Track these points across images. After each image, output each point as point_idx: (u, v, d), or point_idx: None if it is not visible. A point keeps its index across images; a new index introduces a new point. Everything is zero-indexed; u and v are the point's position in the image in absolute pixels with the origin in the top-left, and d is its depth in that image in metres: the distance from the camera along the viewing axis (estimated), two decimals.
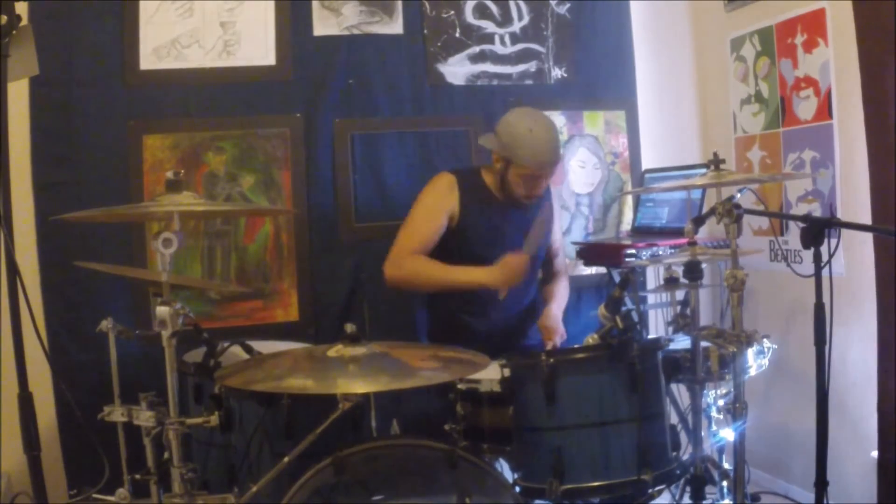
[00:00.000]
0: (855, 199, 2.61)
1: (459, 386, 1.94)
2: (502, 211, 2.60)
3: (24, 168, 2.77)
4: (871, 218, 2.50)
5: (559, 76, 3.28)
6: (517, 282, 2.41)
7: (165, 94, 2.91)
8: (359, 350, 1.67)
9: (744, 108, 3.19)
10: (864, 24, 2.52)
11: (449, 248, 2.54)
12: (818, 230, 1.81)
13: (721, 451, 2.25)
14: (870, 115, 2.53)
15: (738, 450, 1.89)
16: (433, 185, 2.59)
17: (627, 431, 1.83)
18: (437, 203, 2.54)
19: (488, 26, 3.21)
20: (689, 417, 2.24)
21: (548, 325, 2.58)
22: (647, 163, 3.37)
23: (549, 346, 2.53)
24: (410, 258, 2.48)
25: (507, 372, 1.91)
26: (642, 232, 3.12)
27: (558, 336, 2.56)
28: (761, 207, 2.57)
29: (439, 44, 3.16)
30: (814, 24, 2.76)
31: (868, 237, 2.53)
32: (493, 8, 3.21)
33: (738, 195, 2.03)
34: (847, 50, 2.58)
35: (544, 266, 2.81)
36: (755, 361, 2.27)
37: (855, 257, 2.59)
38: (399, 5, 3.11)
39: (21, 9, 1.88)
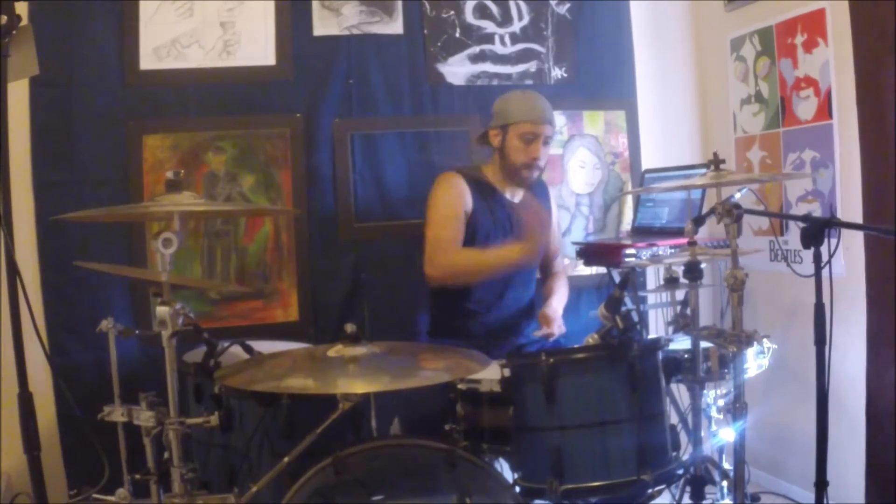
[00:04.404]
0: (855, 199, 2.61)
1: (459, 386, 1.94)
2: (506, 206, 2.61)
3: (24, 168, 2.77)
4: (862, 218, 2.51)
5: (559, 76, 3.28)
6: (544, 235, 2.42)
7: (165, 94, 2.91)
8: (359, 350, 1.67)
9: (744, 108, 3.19)
10: (860, 24, 2.52)
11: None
12: (818, 230, 1.81)
13: (721, 451, 2.25)
14: (864, 115, 2.53)
15: (738, 450, 1.89)
16: (444, 185, 2.59)
17: (627, 431, 1.82)
18: (457, 201, 2.55)
19: (488, 26, 3.21)
20: (689, 417, 2.24)
21: (547, 313, 2.58)
22: (647, 163, 3.36)
23: (542, 332, 2.53)
24: (450, 253, 2.49)
25: (507, 372, 1.91)
26: (642, 232, 3.12)
27: (556, 326, 2.55)
28: (761, 207, 2.57)
29: (439, 44, 3.16)
30: (814, 24, 2.76)
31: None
32: (493, 8, 3.21)
33: (738, 195, 2.03)
34: (847, 50, 2.58)
35: (543, 267, 2.82)
36: (755, 361, 2.27)
37: (854, 257, 2.59)
38: (399, 5, 3.11)
39: (21, 9, 1.88)
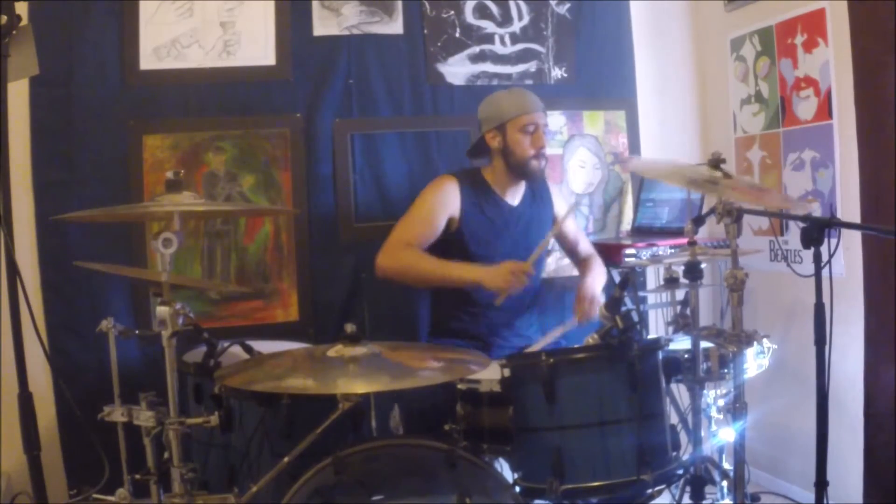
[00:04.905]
0: (855, 199, 2.61)
1: (459, 386, 1.94)
2: (503, 209, 2.61)
3: (24, 168, 2.77)
4: (860, 218, 2.51)
5: (559, 76, 3.28)
6: (515, 289, 2.37)
7: (165, 94, 2.91)
8: (359, 350, 1.67)
9: (744, 108, 3.19)
10: (859, 24, 2.52)
11: (450, 248, 2.54)
12: (818, 230, 1.80)
13: (721, 451, 2.25)
14: (862, 115, 2.54)
15: (738, 450, 1.89)
16: (435, 186, 2.59)
17: (627, 431, 1.82)
18: (438, 204, 2.54)
19: (488, 26, 3.21)
20: (689, 417, 2.24)
21: (582, 291, 2.56)
22: None
23: (575, 320, 2.52)
24: (405, 250, 2.46)
25: (507, 372, 1.91)
26: (642, 232, 3.12)
27: (588, 303, 2.52)
28: (761, 207, 2.57)
29: (439, 44, 3.16)
30: (814, 24, 2.76)
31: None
32: (493, 8, 3.21)
33: None
34: (847, 50, 2.58)
35: (571, 256, 2.82)
36: (755, 361, 2.27)
37: (854, 257, 2.59)
38: (399, 5, 3.11)
39: (21, 9, 1.89)
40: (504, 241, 2.58)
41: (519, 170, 2.57)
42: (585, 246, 2.85)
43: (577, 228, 2.91)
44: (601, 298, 2.55)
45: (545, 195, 2.76)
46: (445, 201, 2.54)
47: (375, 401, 2.27)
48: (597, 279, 2.65)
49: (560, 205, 2.80)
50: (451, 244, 2.54)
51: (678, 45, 3.47)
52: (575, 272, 3.16)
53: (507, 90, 2.65)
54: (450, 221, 2.55)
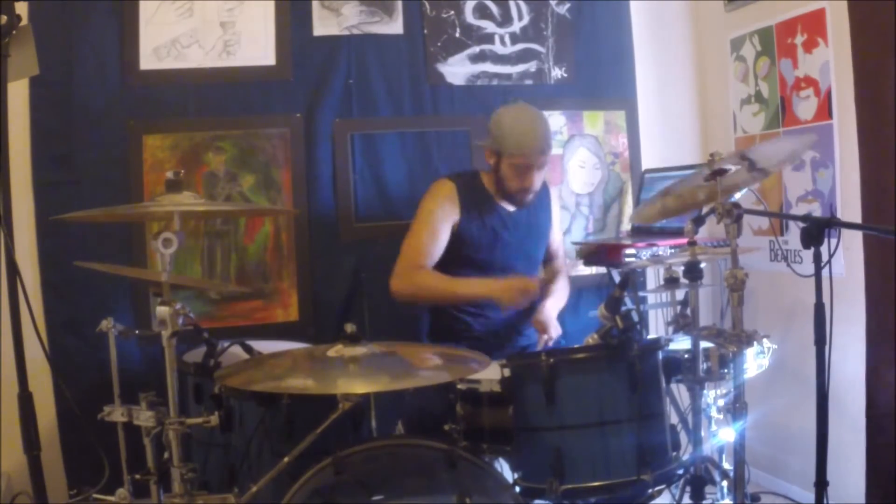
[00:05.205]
0: (855, 199, 2.61)
1: (459, 386, 1.94)
2: (502, 214, 2.60)
3: (24, 168, 2.77)
4: (861, 218, 2.51)
5: (559, 76, 3.28)
6: (523, 305, 2.43)
7: (165, 94, 2.91)
8: (359, 350, 1.67)
9: (744, 108, 3.19)
10: (859, 24, 2.52)
11: (449, 252, 2.54)
12: (818, 230, 1.80)
13: (721, 451, 2.25)
14: (862, 115, 2.54)
15: (738, 450, 1.88)
16: (433, 193, 2.58)
17: (627, 431, 1.82)
18: (439, 213, 2.54)
19: (488, 26, 3.21)
20: (689, 417, 2.24)
21: (541, 319, 2.56)
22: (647, 163, 3.37)
23: (543, 340, 2.53)
24: (417, 272, 2.48)
25: (507, 372, 1.91)
26: (642, 232, 3.12)
27: (553, 329, 2.54)
28: (761, 207, 2.57)
29: (439, 44, 3.16)
30: (814, 24, 2.76)
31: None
32: (493, 8, 3.21)
33: (738, 195, 2.03)
34: (847, 50, 2.58)
35: (543, 266, 2.81)
36: (755, 361, 2.27)
37: (854, 257, 2.59)
38: (399, 5, 3.12)
39: (21, 9, 1.89)
40: (502, 247, 2.58)
41: (504, 194, 2.58)
42: (561, 262, 2.87)
43: (562, 242, 2.93)
44: (557, 325, 2.57)
45: (544, 200, 2.75)
46: (447, 210, 2.54)
47: (376, 402, 2.27)
48: (557, 304, 2.65)
49: (557, 211, 2.81)
50: (453, 246, 2.54)
51: (678, 45, 3.47)
52: (576, 273, 3.16)
53: (518, 115, 2.52)
54: (452, 226, 2.55)
